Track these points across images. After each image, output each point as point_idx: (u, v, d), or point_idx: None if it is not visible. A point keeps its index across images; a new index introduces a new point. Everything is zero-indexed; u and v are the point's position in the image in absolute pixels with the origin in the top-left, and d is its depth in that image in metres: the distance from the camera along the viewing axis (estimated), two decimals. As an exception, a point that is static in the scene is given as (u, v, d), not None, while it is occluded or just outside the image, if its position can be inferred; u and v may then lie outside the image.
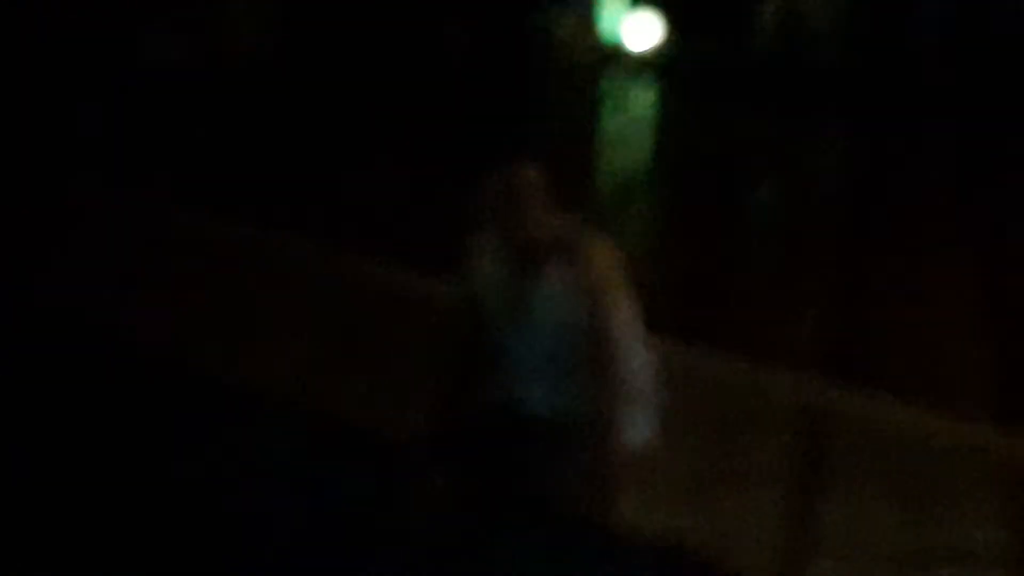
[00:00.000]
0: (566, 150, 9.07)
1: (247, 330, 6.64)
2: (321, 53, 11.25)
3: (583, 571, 4.44)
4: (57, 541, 4.46)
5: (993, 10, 10.16)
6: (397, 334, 6.54)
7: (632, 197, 8.93)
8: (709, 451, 5.72)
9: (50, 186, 8.44)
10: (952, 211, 8.62)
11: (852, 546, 5.09)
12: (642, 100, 11.10)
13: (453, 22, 11.36)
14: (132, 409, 5.28)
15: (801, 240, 8.42)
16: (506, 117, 9.12)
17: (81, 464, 4.98)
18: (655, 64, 11.26)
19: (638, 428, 4.39)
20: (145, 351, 6.05)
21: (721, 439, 5.83)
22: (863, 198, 8.91)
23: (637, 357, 4.36)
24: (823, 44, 10.91)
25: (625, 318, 4.32)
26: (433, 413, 4.53)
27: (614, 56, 11.50)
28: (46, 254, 7.52)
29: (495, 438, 4.48)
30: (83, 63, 10.73)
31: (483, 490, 4.47)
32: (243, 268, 7.37)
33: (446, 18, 11.50)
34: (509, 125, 8.68)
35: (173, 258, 7.43)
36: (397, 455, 4.98)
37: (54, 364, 5.68)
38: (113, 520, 4.63)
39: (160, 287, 7.04)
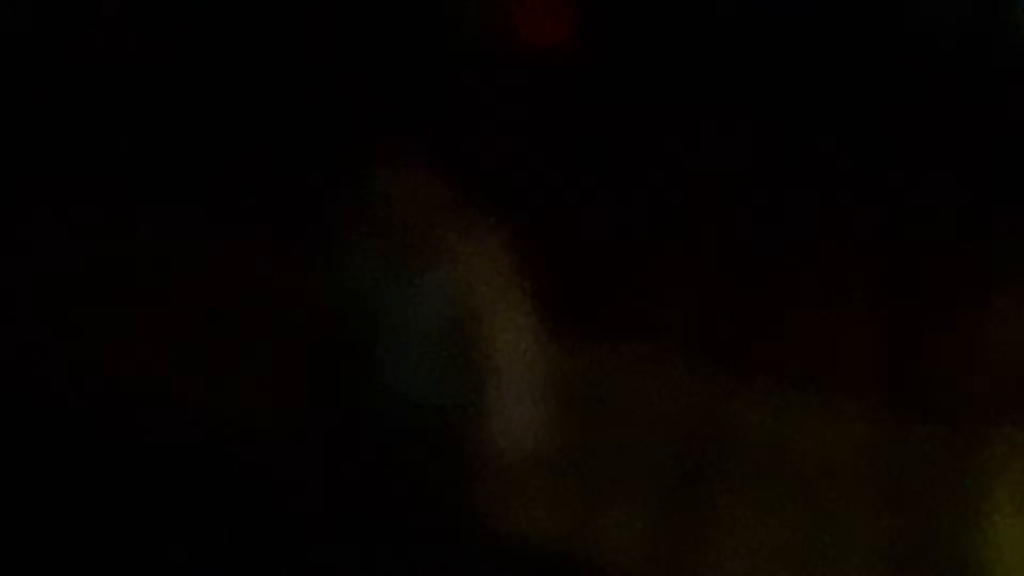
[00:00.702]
0: (456, 139, 8.94)
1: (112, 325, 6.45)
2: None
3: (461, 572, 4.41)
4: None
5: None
6: (272, 327, 6.38)
7: (527, 187, 8.85)
8: (591, 445, 5.60)
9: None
10: (851, 201, 8.60)
11: (741, 548, 5.01)
12: (542, 90, 11.06)
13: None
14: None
15: (701, 230, 8.36)
16: (396, 104, 8.97)
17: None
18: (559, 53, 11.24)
19: (522, 423, 4.30)
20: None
21: (611, 434, 5.71)
22: (764, 187, 8.88)
23: (521, 351, 4.28)
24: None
25: (509, 313, 4.26)
26: (311, 408, 4.47)
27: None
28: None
29: (372, 433, 4.40)
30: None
31: (360, 486, 4.38)
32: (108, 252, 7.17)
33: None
34: (397, 112, 8.52)
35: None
36: (274, 452, 4.94)
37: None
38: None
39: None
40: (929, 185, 8.48)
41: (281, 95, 9.32)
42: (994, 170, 8.31)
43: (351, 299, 4.38)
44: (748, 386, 6.17)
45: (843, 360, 6.40)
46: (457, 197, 4.33)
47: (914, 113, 8.88)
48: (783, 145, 9.10)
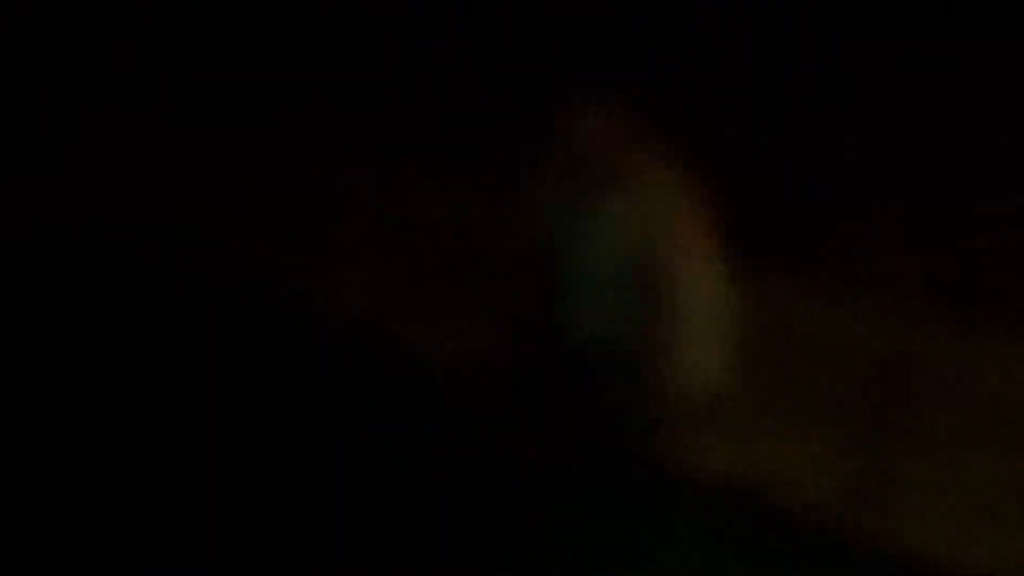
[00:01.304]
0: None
1: (316, 255, 6.59)
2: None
3: (649, 509, 4.42)
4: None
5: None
6: (467, 261, 6.46)
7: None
8: (783, 387, 5.57)
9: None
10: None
11: (937, 487, 4.93)
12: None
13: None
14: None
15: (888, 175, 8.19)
16: (583, 49, 8.92)
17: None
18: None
19: (704, 362, 4.27)
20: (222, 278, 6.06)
21: (796, 373, 5.69)
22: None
23: (704, 289, 4.25)
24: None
25: (692, 249, 4.23)
26: (503, 341, 4.49)
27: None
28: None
29: (562, 367, 4.41)
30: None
31: (552, 422, 4.41)
32: (309, 190, 7.31)
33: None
34: (585, 57, 8.47)
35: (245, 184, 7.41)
36: (466, 385, 4.99)
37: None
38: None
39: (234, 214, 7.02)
40: None
41: (481, 41, 9.40)
42: None
43: (546, 236, 4.40)
44: (938, 321, 6.07)
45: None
46: (645, 135, 4.32)
47: None
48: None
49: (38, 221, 7.22)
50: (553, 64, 4.70)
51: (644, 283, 4.23)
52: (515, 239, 4.52)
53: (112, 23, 9.70)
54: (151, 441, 5.04)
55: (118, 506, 4.63)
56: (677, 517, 4.66)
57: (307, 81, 8.92)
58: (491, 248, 6.00)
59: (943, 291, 6.47)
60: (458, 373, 5.27)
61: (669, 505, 4.60)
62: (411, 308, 6.09)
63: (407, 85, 8.66)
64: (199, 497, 4.69)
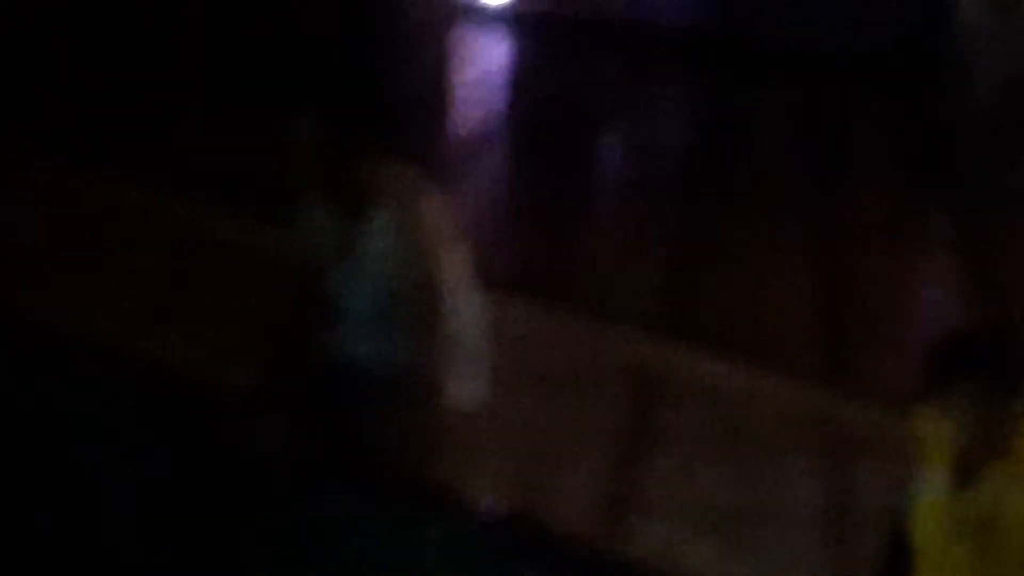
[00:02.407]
0: (412, 103, 9.03)
1: (78, 281, 6.50)
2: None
3: (405, 529, 4.48)
4: None
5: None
6: (231, 285, 6.45)
7: (480, 150, 8.94)
8: (539, 407, 5.76)
9: None
10: (787, 174, 8.75)
11: (676, 503, 5.17)
12: (495, 53, 11.07)
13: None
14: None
15: (642, 198, 8.49)
16: (342, 70, 9.01)
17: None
18: (508, 17, 11.24)
19: (465, 384, 4.40)
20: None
21: (551, 395, 5.87)
22: (703, 158, 9.00)
23: (468, 311, 4.36)
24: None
25: (456, 272, 4.31)
26: (268, 364, 4.49)
27: (468, 9, 11.44)
28: None
29: (327, 390, 4.45)
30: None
31: (314, 443, 4.46)
32: (75, 216, 7.20)
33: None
34: (345, 78, 8.57)
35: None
36: (231, 407, 4.95)
37: None
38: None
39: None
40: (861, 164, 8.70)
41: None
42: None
43: (311, 257, 4.39)
44: (688, 350, 6.35)
45: (780, 330, 6.58)
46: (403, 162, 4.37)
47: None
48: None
49: None
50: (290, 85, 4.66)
51: (407, 303, 4.28)
52: (282, 261, 4.55)
53: None
54: None
55: None
56: (433, 534, 4.75)
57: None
58: (258, 271, 6.01)
59: (685, 315, 6.77)
60: (224, 392, 5.27)
61: (428, 521, 4.69)
62: (173, 331, 6.06)
63: (141, 111, 8.57)
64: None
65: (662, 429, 5.70)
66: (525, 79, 10.31)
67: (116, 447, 4.85)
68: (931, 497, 3.32)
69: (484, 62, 10.64)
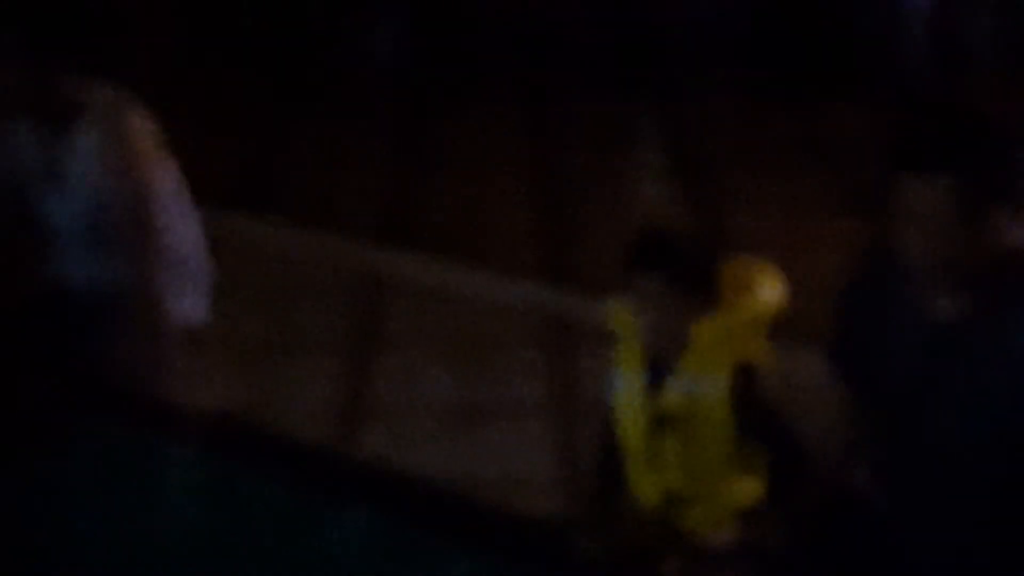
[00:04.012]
0: (118, 21, 8.79)
1: None
2: None
3: (142, 451, 4.44)
4: None
5: None
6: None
7: (189, 64, 8.79)
8: (265, 320, 5.77)
9: None
10: (504, 78, 8.84)
11: (406, 405, 5.26)
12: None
13: None
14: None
15: (360, 106, 8.49)
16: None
17: None
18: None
19: (187, 301, 4.38)
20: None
21: (277, 307, 5.91)
22: (421, 64, 9.03)
23: (183, 228, 4.33)
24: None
25: (166, 187, 4.27)
26: None
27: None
28: None
29: (40, 314, 4.38)
30: None
31: (35, 372, 4.37)
32: None
33: None
34: None
35: None
36: None
37: None
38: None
39: None
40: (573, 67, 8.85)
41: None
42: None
43: (11, 183, 4.26)
44: (411, 256, 6.41)
45: (500, 232, 6.70)
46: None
47: None
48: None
49: None
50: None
51: (119, 221, 4.19)
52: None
53: None
54: None
55: None
56: (170, 453, 4.72)
57: None
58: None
59: (407, 222, 6.84)
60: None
61: (162, 440, 4.65)
62: None
63: None
64: None
65: (389, 334, 5.78)
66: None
67: None
68: (627, 393, 3.40)
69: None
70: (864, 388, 3.10)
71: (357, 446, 5.02)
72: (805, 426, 3.37)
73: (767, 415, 3.32)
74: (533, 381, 5.42)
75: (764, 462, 3.34)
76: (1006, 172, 2.84)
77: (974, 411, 2.87)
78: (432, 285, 6.15)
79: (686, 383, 3.29)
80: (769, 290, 3.41)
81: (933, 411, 2.92)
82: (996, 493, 2.90)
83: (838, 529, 3.19)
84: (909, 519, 3.02)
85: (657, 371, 3.35)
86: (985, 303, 2.86)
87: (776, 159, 7.45)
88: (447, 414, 5.21)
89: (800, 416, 3.39)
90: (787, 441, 3.31)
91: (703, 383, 3.28)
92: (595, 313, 5.72)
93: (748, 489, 3.36)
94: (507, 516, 4.48)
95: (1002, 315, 2.85)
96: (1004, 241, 2.85)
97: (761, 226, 6.51)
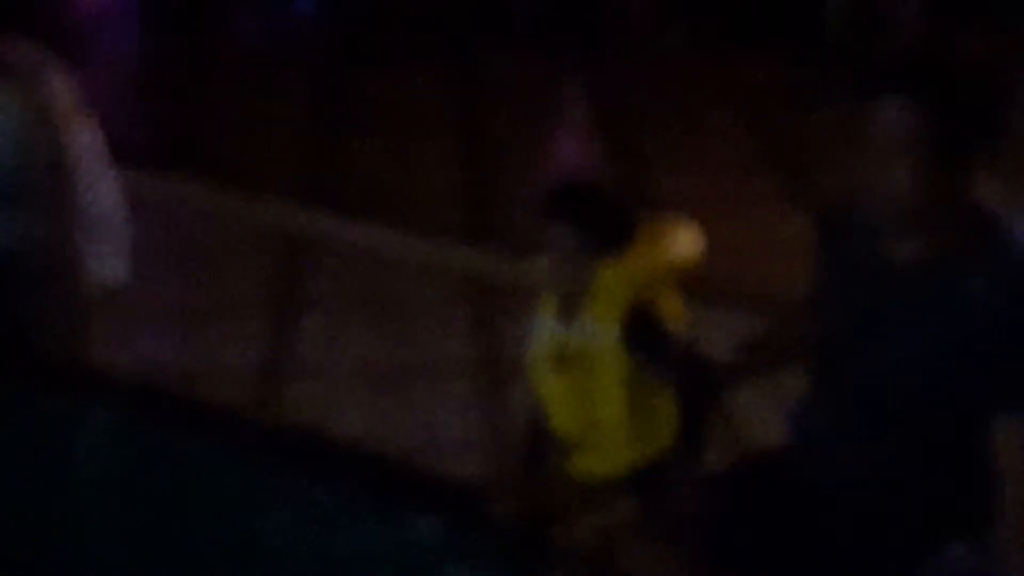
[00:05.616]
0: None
1: None
2: None
3: (65, 418, 4.41)
4: None
5: None
6: None
7: (106, 24, 8.69)
8: (187, 282, 5.74)
9: None
10: (431, 36, 8.82)
11: (330, 367, 5.26)
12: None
13: None
14: None
15: (280, 63, 8.45)
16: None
17: None
18: None
19: (107, 262, 4.34)
20: None
21: (199, 269, 5.87)
22: (345, 21, 8.99)
23: (102, 189, 4.28)
24: None
25: (86, 148, 4.21)
26: None
27: None
28: None
29: None
30: None
31: None
32: None
33: None
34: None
35: None
36: None
37: None
38: None
39: None
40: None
41: None
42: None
43: None
44: (334, 216, 6.41)
45: (424, 192, 6.71)
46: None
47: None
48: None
49: None
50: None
51: (38, 182, 4.13)
52: None
53: None
54: None
55: None
56: (92, 419, 4.70)
57: None
58: None
59: (330, 181, 6.83)
60: None
61: (84, 407, 4.63)
62: None
63: None
64: None
65: (312, 295, 5.77)
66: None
67: None
68: (539, 341, 3.48)
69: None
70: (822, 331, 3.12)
71: (280, 408, 5.01)
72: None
73: (676, 362, 3.37)
74: (457, 341, 5.44)
75: (676, 410, 3.39)
76: (977, 120, 2.88)
77: (916, 356, 2.91)
78: (355, 245, 6.14)
79: (585, 329, 3.37)
80: (678, 243, 3.47)
81: (876, 353, 2.96)
82: (925, 446, 2.94)
83: (756, 484, 3.23)
84: (831, 473, 3.05)
85: (567, 319, 3.42)
86: (942, 249, 2.90)
87: (699, 114, 7.50)
88: (371, 375, 5.21)
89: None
90: (699, 384, 3.36)
91: (599, 329, 3.35)
92: (519, 273, 5.81)
93: (653, 436, 3.42)
94: (429, 477, 4.53)
95: (956, 262, 2.89)
96: (969, 189, 2.89)
97: (685, 183, 6.56)
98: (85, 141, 4.21)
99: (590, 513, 3.44)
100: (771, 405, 3.37)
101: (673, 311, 3.44)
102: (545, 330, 3.47)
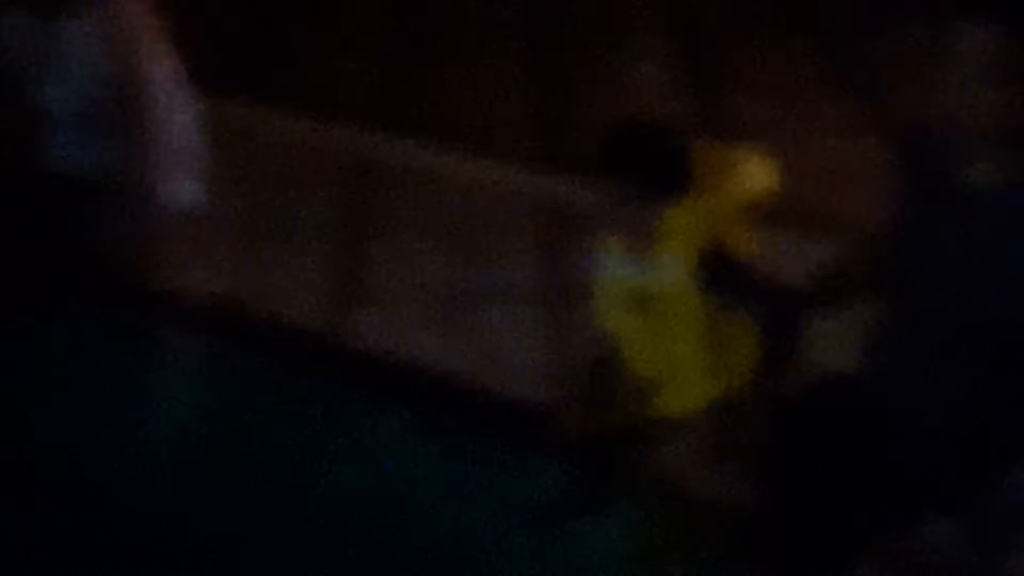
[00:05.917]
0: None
1: None
2: None
3: (134, 339, 4.47)
4: None
5: None
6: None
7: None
8: (258, 208, 5.75)
9: None
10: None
11: (401, 291, 5.26)
12: None
13: None
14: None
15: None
16: None
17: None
18: None
19: (182, 187, 4.37)
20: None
21: (270, 195, 5.87)
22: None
23: (178, 115, 4.31)
24: None
25: (164, 73, 4.25)
26: None
27: None
28: None
29: (39, 199, 4.37)
30: None
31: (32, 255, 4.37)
32: None
33: None
34: None
35: None
36: None
37: None
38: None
39: None
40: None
41: None
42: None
43: (6, 68, 4.24)
44: (407, 142, 6.38)
45: (497, 119, 6.66)
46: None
47: None
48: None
49: None
50: None
51: (116, 106, 4.19)
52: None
53: None
54: None
55: None
56: (162, 339, 4.74)
57: None
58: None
59: (404, 108, 6.79)
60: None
61: (154, 328, 4.67)
62: None
63: None
64: None
65: (383, 221, 5.76)
66: None
67: None
68: (608, 277, 3.45)
69: None
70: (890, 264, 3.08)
71: (350, 331, 5.02)
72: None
73: (754, 295, 3.34)
74: (526, 266, 5.42)
75: (754, 343, 3.36)
76: None
77: (996, 280, 2.86)
78: (427, 171, 6.12)
79: (658, 270, 3.33)
80: (748, 177, 3.40)
81: (954, 277, 2.92)
82: (1001, 372, 2.90)
83: (831, 413, 3.21)
84: (906, 401, 3.03)
85: (639, 261, 3.39)
86: (1017, 172, 2.85)
87: (777, 39, 7.39)
88: (440, 299, 5.21)
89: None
90: (778, 315, 3.33)
91: (672, 270, 3.31)
92: (589, 198, 5.77)
93: (732, 371, 3.39)
94: (497, 399, 4.54)
95: None
96: None
97: (761, 109, 6.48)
98: (162, 67, 4.25)
99: (664, 443, 3.43)
100: (846, 333, 3.32)
101: (747, 244, 3.40)
102: (616, 272, 3.43)
